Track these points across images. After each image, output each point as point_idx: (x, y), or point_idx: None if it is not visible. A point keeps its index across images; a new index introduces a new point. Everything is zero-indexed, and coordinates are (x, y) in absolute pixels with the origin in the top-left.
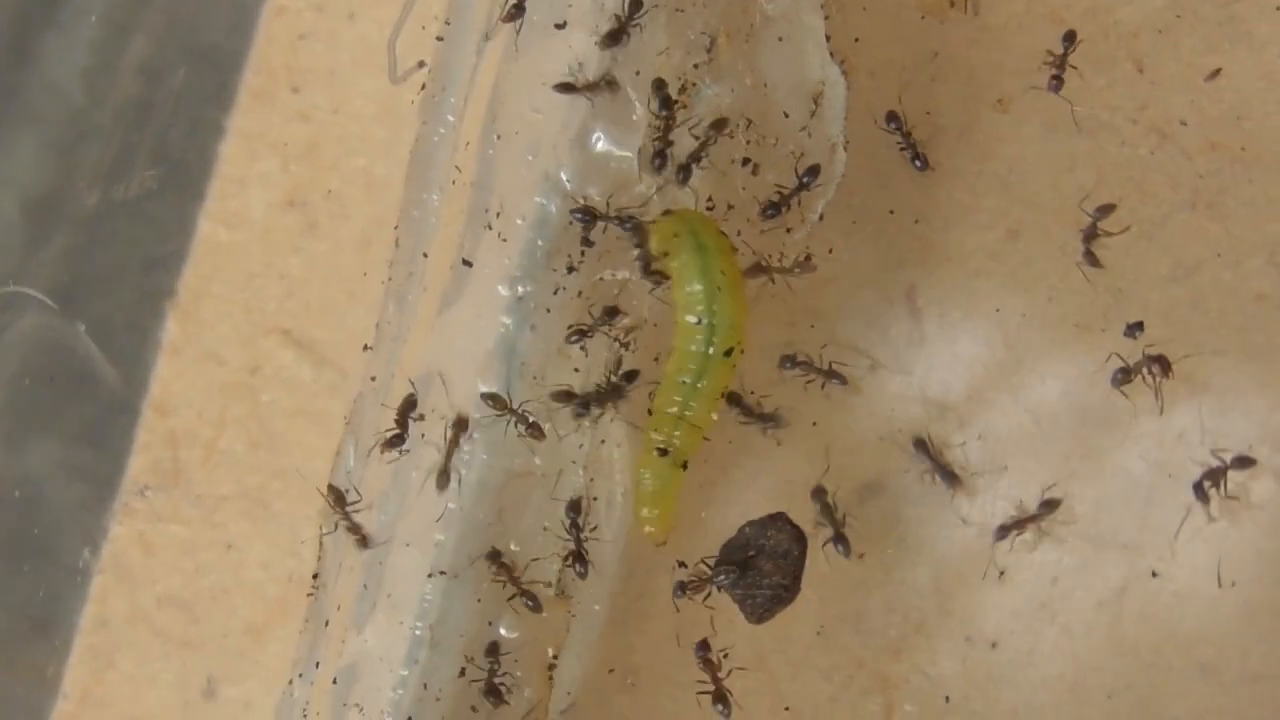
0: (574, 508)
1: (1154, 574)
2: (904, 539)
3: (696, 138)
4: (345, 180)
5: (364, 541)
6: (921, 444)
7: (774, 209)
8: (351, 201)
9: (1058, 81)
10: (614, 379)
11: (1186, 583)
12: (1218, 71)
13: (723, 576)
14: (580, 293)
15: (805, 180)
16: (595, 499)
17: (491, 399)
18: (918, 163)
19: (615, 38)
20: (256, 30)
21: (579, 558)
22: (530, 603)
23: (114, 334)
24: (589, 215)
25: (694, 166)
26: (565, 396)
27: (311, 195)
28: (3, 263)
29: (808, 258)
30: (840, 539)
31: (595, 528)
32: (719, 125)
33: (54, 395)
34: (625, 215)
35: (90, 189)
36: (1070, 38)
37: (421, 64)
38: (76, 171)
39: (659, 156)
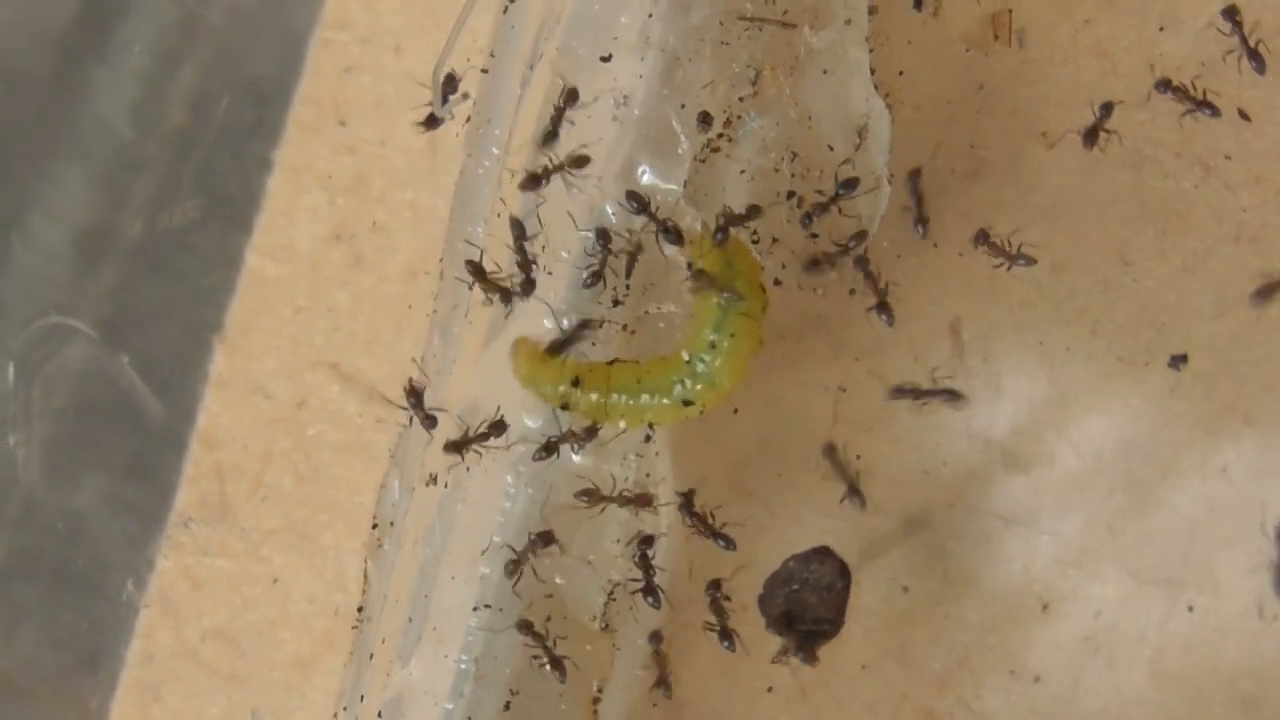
0: (646, 542)
1: (1190, 608)
2: (948, 573)
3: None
4: (392, 213)
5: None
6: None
7: (808, 219)
8: (398, 234)
9: (1090, 142)
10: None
11: (1229, 616)
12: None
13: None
14: (626, 326)
15: (841, 191)
16: (639, 532)
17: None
18: (919, 228)
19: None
20: (304, 63)
21: (651, 590)
22: (559, 674)
23: (161, 367)
24: (641, 204)
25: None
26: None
27: (358, 228)
28: (52, 295)
29: (862, 233)
30: (855, 493)
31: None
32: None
33: (99, 428)
34: (670, 224)
35: (137, 221)
36: (1107, 108)
37: (465, 95)
38: (124, 205)
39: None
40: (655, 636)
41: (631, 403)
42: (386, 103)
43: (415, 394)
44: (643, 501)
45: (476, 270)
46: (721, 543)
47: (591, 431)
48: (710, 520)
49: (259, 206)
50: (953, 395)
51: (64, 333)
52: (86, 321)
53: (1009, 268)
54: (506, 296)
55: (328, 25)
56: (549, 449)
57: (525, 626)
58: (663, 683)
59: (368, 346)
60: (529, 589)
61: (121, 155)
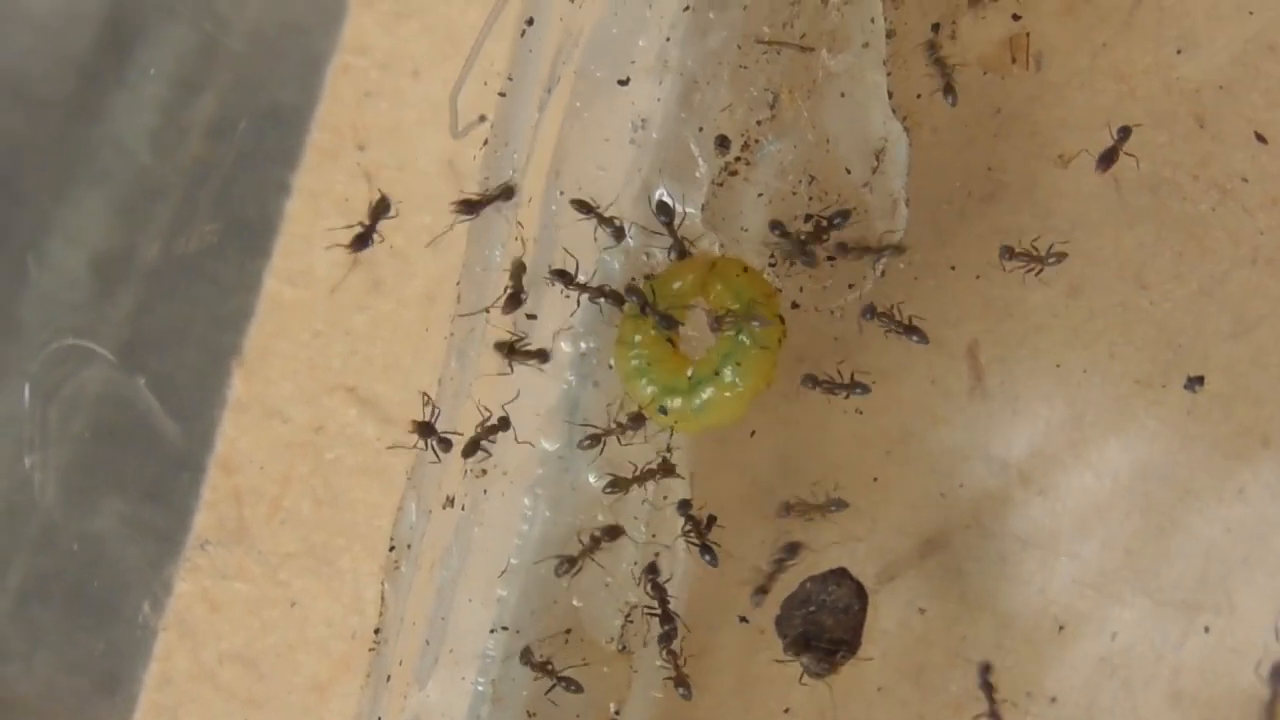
0: (652, 570)
1: (1207, 629)
2: (965, 594)
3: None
4: (410, 238)
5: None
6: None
7: (802, 247)
8: (416, 259)
9: (1106, 165)
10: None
11: (1245, 637)
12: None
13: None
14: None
15: (837, 222)
16: (657, 554)
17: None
18: (948, 97)
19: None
20: (323, 88)
21: (667, 618)
22: (572, 687)
23: (180, 391)
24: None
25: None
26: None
27: (376, 253)
28: (70, 319)
29: (845, 211)
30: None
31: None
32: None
33: (118, 452)
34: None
35: (155, 245)
36: (1125, 132)
37: (482, 118)
38: (143, 229)
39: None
40: (666, 637)
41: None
42: (405, 128)
43: (425, 426)
44: (666, 469)
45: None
46: (707, 557)
47: (638, 419)
48: (702, 531)
49: (277, 231)
50: (861, 388)
51: (82, 355)
52: (105, 345)
53: (1040, 271)
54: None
55: (347, 50)
56: (595, 440)
57: (525, 655)
58: (681, 683)
59: (385, 371)
60: (545, 610)
61: (140, 179)
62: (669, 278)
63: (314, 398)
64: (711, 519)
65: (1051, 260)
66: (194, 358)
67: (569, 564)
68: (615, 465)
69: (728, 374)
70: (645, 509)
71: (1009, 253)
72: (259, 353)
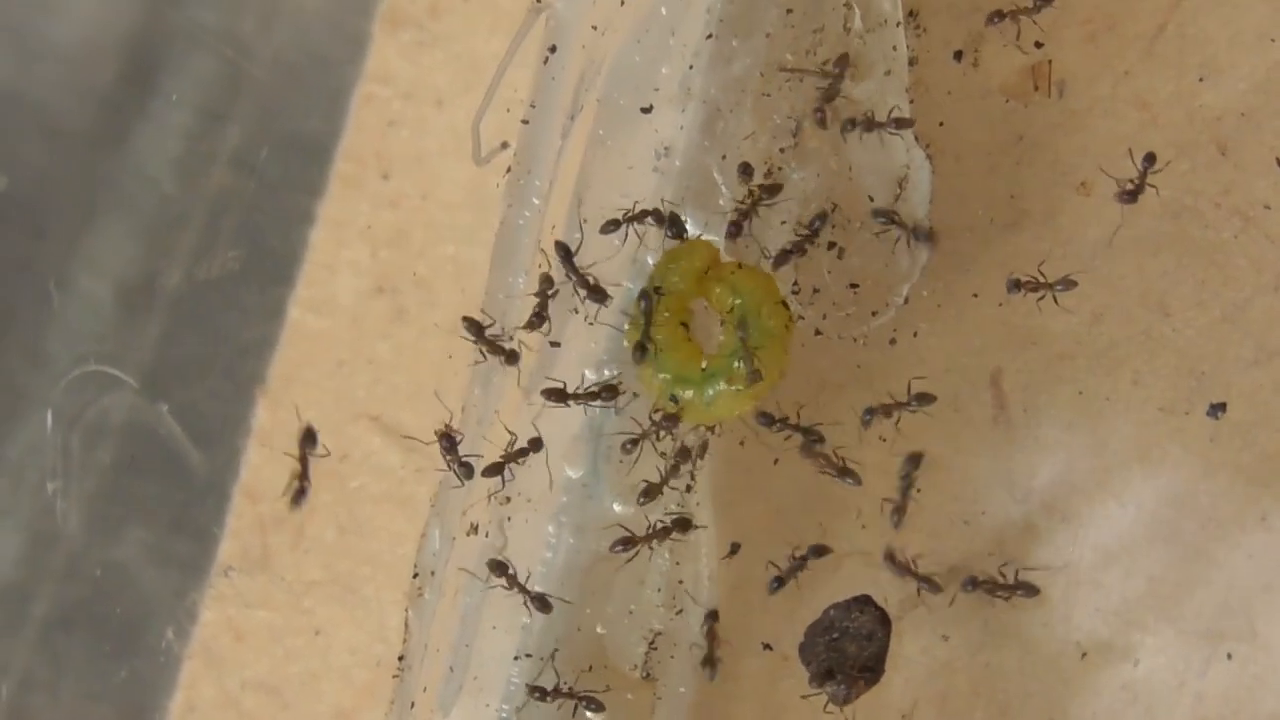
0: (712, 616)
1: (1230, 656)
2: (989, 622)
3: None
4: (433, 267)
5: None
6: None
7: (785, 256)
8: (440, 288)
9: (1130, 197)
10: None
11: (1268, 664)
12: None
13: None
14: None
15: (816, 225)
16: (681, 581)
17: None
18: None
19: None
20: (346, 117)
21: (711, 661)
22: (592, 706)
23: (205, 420)
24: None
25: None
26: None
27: (400, 282)
28: (94, 348)
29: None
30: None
31: (681, 610)
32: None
33: (142, 481)
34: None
35: (179, 275)
36: (1150, 159)
37: (505, 145)
38: (167, 258)
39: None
40: (712, 615)
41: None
42: (429, 157)
43: (448, 439)
44: (682, 526)
45: (474, 328)
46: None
47: (672, 420)
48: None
49: (301, 260)
50: (813, 437)
51: (107, 383)
52: (129, 374)
53: (1054, 297)
54: (512, 358)
55: (370, 79)
56: (635, 443)
57: (534, 690)
58: (709, 662)
59: (409, 399)
60: (569, 637)
61: (164, 209)
62: (671, 260)
63: (338, 426)
64: (735, 546)
65: (1059, 287)
66: (218, 386)
67: (626, 545)
68: (639, 491)
69: (741, 368)
70: (669, 540)
71: (1016, 285)
72: (283, 381)
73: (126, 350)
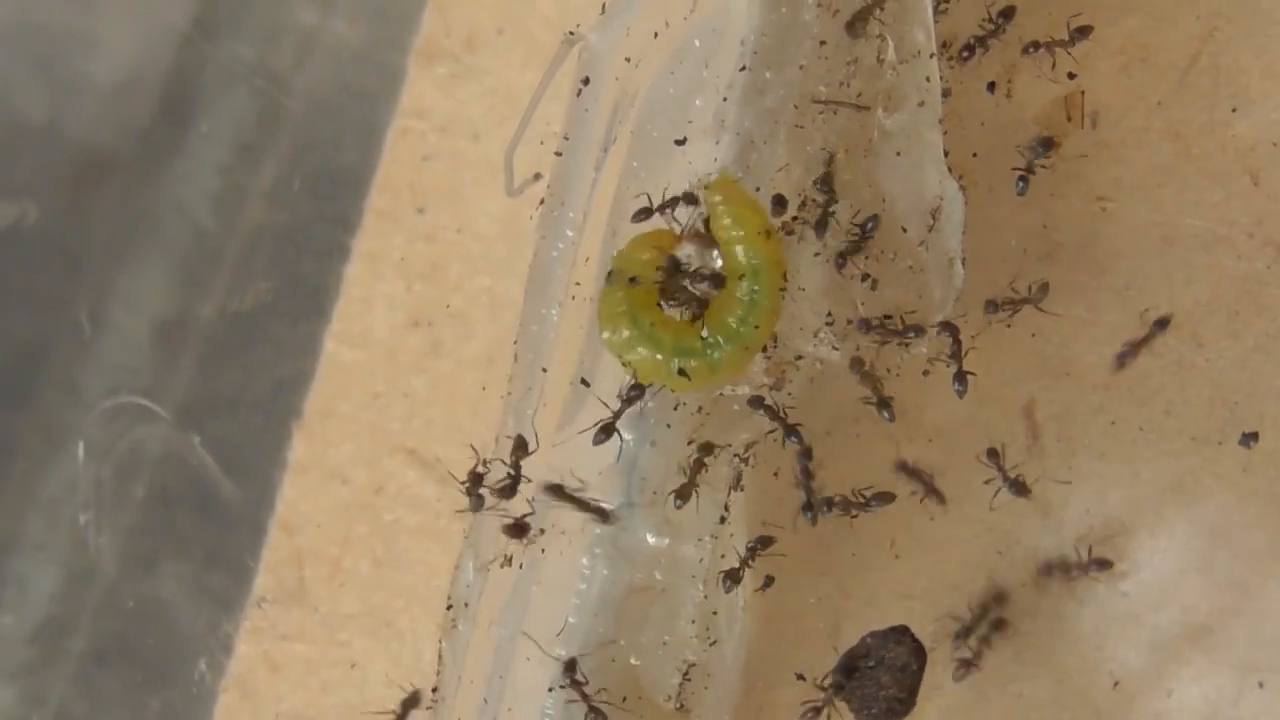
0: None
1: (1261, 685)
2: (1021, 652)
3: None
4: (469, 300)
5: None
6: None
7: (843, 259)
8: (475, 321)
9: (1125, 361)
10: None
11: None
12: None
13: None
14: (701, 408)
15: (869, 226)
16: (715, 613)
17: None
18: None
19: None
20: (382, 151)
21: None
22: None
23: (241, 453)
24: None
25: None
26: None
27: (435, 315)
28: (130, 381)
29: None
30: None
31: (715, 642)
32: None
33: (179, 515)
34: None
35: (215, 309)
36: (1162, 325)
37: (538, 176)
38: (203, 293)
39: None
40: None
41: (639, 346)
42: (464, 190)
43: (476, 478)
44: (706, 450)
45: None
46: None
47: (638, 389)
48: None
49: (337, 294)
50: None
51: (143, 416)
52: (165, 408)
53: (1035, 305)
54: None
55: (406, 113)
56: (608, 432)
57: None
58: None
59: (445, 432)
60: (603, 669)
61: (201, 244)
62: (635, 249)
63: (374, 460)
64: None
65: (1038, 296)
66: (254, 420)
67: (683, 496)
68: (674, 524)
69: (744, 330)
70: (703, 567)
71: (994, 306)
72: (319, 415)
73: (161, 384)
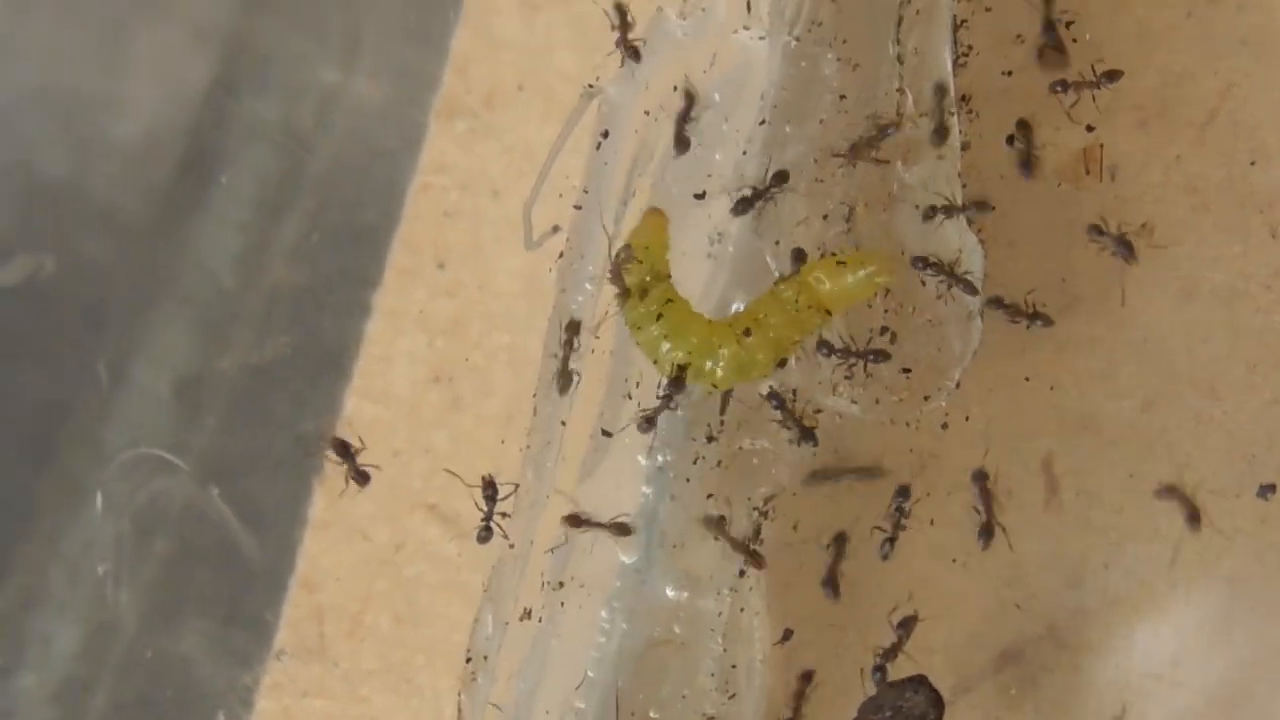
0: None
1: None
2: (1039, 706)
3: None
4: (489, 356)
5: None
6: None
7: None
8: (495, 377)
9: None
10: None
11: None
12: None
13: None
14: (720, 462)
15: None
16: (734, 666)
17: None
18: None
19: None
20: (403, 208)
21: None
22: None
23: (262, 509)
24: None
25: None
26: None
27: (456, 371)
28: (153, 439)
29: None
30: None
31: (734, 695)
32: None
33: (200, 572)
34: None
35: (237, 366)
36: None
37: (556, 228)
38: (225, 351)
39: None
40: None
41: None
42: (484, 246)
43: (490, 487)
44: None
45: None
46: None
47: (678, 383)
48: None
49: (358, 350)
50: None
51: (162, 468)
52: (187, 464)
53: (1029, 326)
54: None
55: (426, 170)
56: (650, 421)
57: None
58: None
59: (466, 488)
60: None
61: (223, 302)
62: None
63: (394, 516)
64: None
65: (1039, 322)
66: (275, 476)
67: (649, 423)
68: (693, 578)
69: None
70: (722, 621)
71: (999, 301)
72: (340, 472)
73: (182, 441)
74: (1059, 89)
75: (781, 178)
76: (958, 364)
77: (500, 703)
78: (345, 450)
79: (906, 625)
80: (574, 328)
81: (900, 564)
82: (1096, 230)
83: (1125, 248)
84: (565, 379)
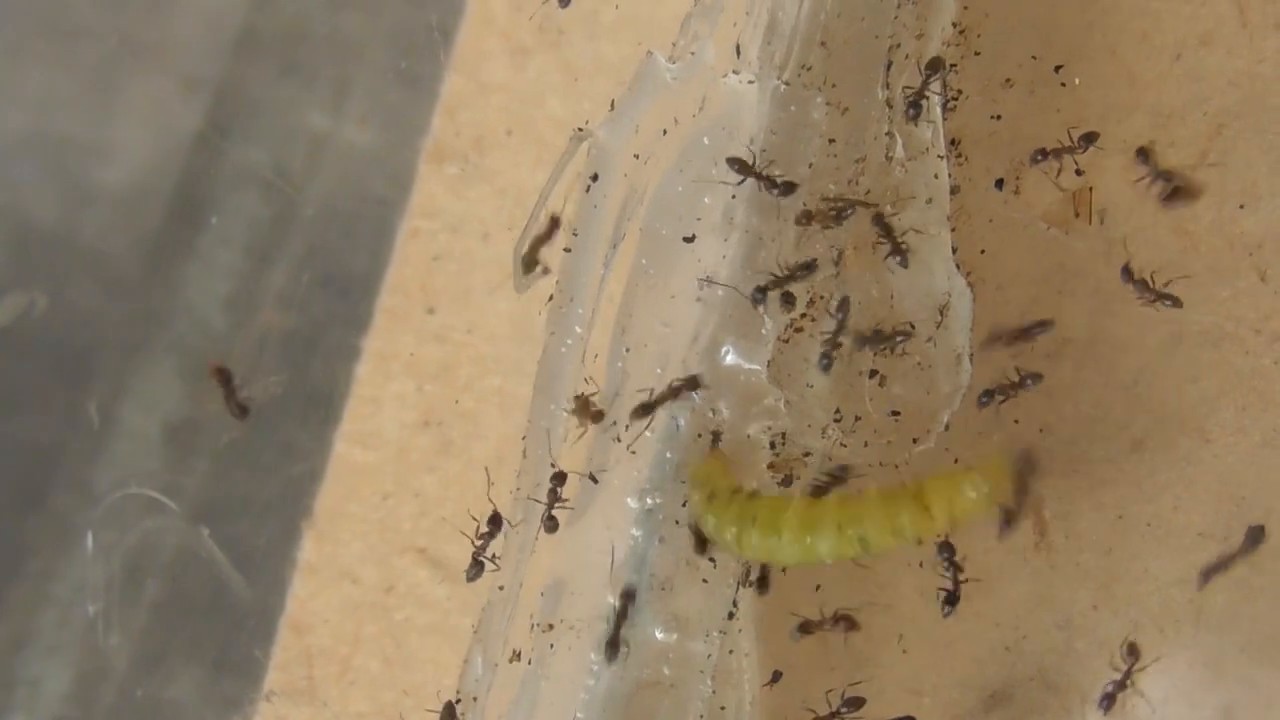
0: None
1: None
2: None
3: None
4: (479, 400)
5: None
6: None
7: (825, 359)
8: (485, 421)
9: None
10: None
11: None
12: None
13: None
14: None
15: (840, 315)
16: (724, 708)
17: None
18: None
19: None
20: (392, 252)
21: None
22: None
23: (252, 552)
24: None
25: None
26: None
27: (446, 415)
28: (145, 485)
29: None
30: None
31: None
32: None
33: (189, 617)
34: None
35: (225, 411)
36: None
37: (545, 270)
38: (215, 396)
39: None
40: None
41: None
42: (474, 290)
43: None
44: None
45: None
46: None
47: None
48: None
49: (347, 394)
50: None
51: (152, 508)
52: (178, 506)
53: (1035, 337)
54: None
55: (416, 214)
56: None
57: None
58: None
59: (455, 531)
60: None
61: (214, 347)
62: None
63: (384, 559)
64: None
65: (1038, 330)
66: (265, 520)
67: (645, 411)
68: (683, 620)
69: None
70: (711, 663)
71: (989, 395)
72: (330, 515)
73: (172, 484)
74: (1040, 158)
75: (809, 268)
76: (947, 407)
77: None
78: (227, 380)
79: (852, 704)
80: (560, 478)
81: (890, 607)
82: (1131, 277)
83: (1169, 299)
84: (553, 522)
